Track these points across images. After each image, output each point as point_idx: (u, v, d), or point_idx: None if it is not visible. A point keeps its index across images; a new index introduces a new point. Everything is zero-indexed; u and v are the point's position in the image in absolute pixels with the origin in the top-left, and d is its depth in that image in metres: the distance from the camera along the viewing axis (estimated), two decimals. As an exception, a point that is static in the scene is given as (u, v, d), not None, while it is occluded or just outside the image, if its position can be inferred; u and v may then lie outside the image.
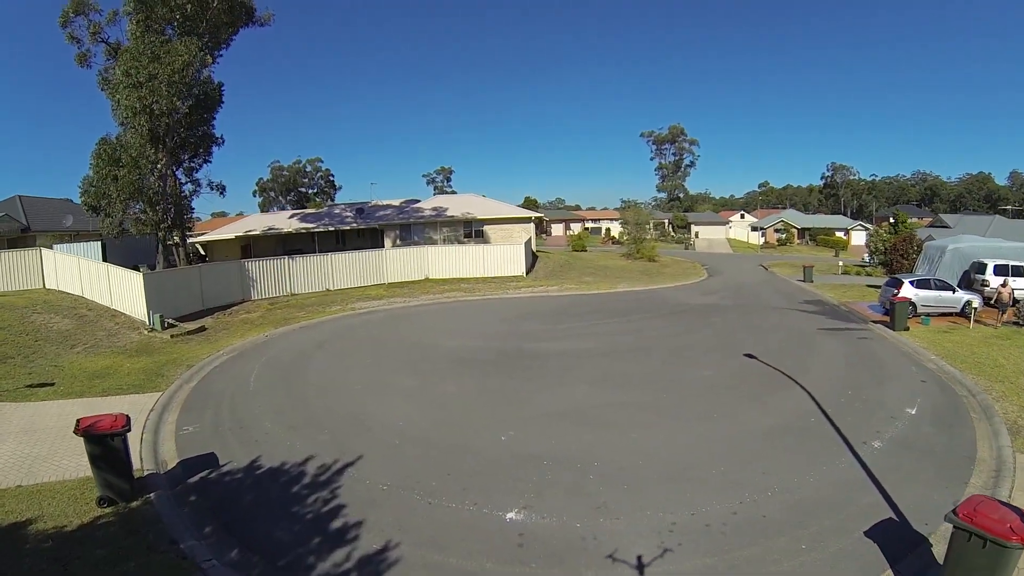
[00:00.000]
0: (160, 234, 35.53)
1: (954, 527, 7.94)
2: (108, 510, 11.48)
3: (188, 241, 52.88)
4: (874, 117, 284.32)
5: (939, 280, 30.07)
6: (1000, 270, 30.56)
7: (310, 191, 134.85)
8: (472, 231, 53.84)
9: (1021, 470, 12.41)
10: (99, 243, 38.13)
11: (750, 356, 22.19)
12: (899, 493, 11.70)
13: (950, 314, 28.73)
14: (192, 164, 40.17)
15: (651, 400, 18.07)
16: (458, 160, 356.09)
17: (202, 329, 29.07)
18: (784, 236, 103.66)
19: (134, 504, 11.80)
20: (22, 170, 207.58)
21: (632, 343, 25.72)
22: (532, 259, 52.16)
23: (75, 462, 13.22)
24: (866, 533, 10.41)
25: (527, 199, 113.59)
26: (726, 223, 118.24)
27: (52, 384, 19.64)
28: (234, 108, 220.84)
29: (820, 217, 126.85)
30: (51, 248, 34.89)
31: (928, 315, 28.24)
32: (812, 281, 45.71)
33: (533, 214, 59.08)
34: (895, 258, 40.19)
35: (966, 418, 15.75)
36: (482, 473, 13.15)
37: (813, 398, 17.39)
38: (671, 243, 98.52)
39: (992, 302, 28.20)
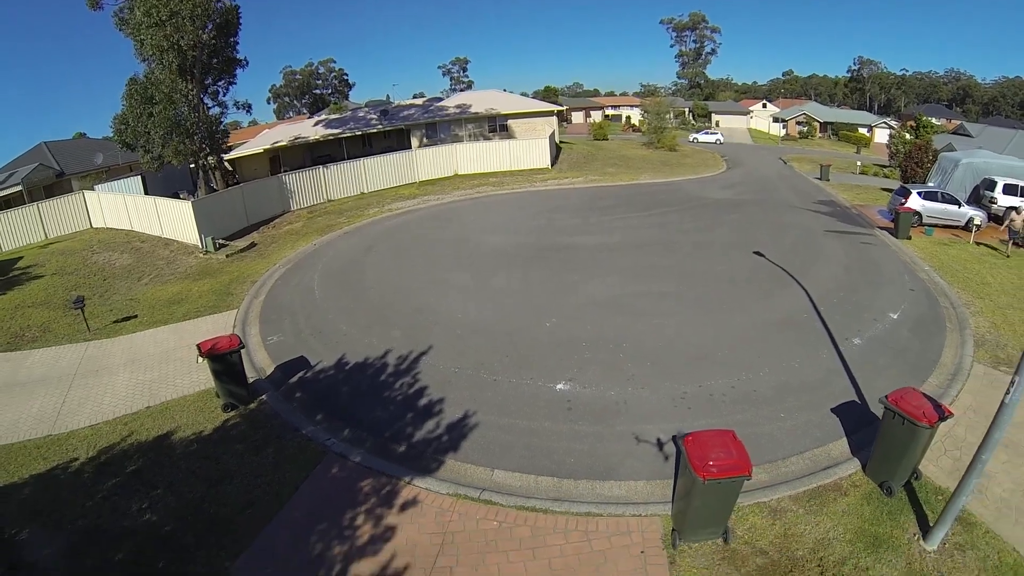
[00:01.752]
0: (199, 162, 36.72)
1: (884, 407, 9.80)
2: (232, 414, 13.64)
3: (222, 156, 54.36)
4: (908, 6, 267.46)
5: (947, 193, 29.80)
6: (1010, 189, 29.97)
7: (325, 92, 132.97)
8: (496, 126, 54.20)
9: (973, 377, 13.89)
10: (139, 177, 39.49)
11: (759, 254, 23.55)
12: (866, 382, 13.59)
13: (954, 227, 28.76)
14: (217, 87, 40.86)
15: (673, 290, 20.13)
16: (473, 50, 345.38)
17: (252, 245, 30.71)
18: (806, 129, 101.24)
19: (252, 406, 13.93)
20: (36, 115, 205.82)
21: (656, 237, 27.28)
22: (556, 151, 52.66)
23: (188, 380, 15.26)
24: (832, 410, 12.57)
25: (547, 88, 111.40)
26: (747, 113, 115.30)
27: (135, 316, 21.41)
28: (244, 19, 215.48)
29: (844, 112, 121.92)
30: (92, 189, 36.45)
31: (932, 226, 28.45)
32: (828, 180, 45.35)
33: (555, 107, 58.91)
34: (910, 165, 39.49)
35: (942, 327, 16.84)
36: (534, 354, 15.46)
37: (810, 297, 18.83)
38: (691, 132, 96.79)
39: (1004, 225, 27.08)
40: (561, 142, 60.20)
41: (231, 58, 39.58)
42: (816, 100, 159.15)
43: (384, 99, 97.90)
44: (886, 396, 9.83)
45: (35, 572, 9.29)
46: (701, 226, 29.40)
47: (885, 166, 57.44)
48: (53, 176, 44.29)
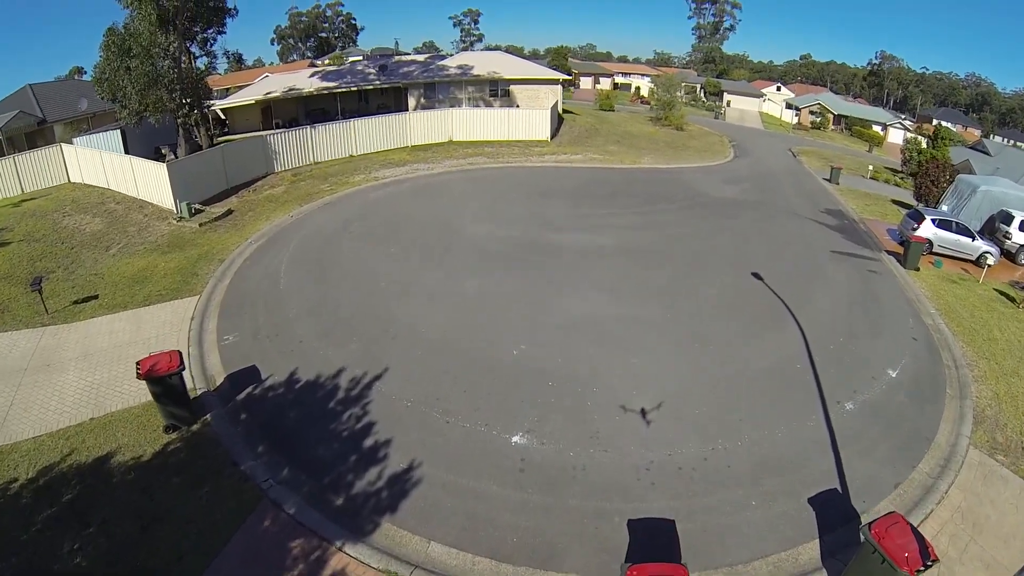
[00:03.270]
0: (178, 120, 35.10)
1: (865, 539, 8.99)
2: (174, 436, 12.85)
3: (208, 109, 52.55)
4: (935, 5, 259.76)
5: (960, 223, 28.15)
6: None
7: (331, 36, 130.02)
8: (499, 91, 52.26)
9: (968, 466, 12.88)
10: (118, 132, 37.81)
11: (757, 277, 22.40)
12: (852, 465, 12.60)
13: (964, 260, 27.49)
14: (206, 36, 39.14)
15: (660, 318, 18.96)
16: (486, 2, 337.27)
17: (229, 213, 29.50)
18: (819, 120, 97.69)
19: (195, 427, 13.14)
20: (24, 55, 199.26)
21: (650, 243, 25.96)
22: (558, 122, 50.89)
23: (135, 386, 14.32)
24: (810, 500, 11.54)
25: (559, 48, 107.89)
26: (760, 95, 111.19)
27: (96, 297, 20.39)
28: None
29: (859, 107, 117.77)
30: (71, 143, 34.99)
31: (942, 256, 27.32)
32: (838, 183, 43.53)
33: (561, 75, 56.52)
34: (925, 183, 37.98)
35: (941, 393, 15.86)
36: (495, 390, 14.48)
37: (806, 340, 17.76)
38: (702, 109, 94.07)
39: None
40: (564, 111, 58.23)
41: (220, 7, 37.77)
42: (831, 90, 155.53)
43: (393, 47, 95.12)
44: (869, 526, 8.98)
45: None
46: (700, 232, 28.09)
47: (897, 171, 56.13)
48: (34, 123, 42.82)
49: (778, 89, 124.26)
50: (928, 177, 37.78)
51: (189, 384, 14.29)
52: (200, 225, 27.65)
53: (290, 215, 28.49)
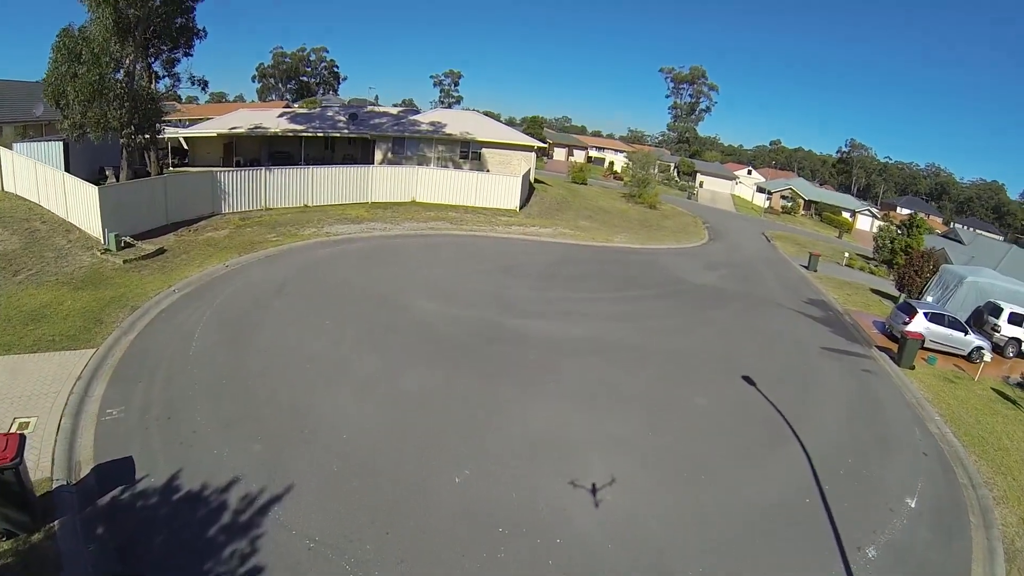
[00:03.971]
0: (123, 140, 32.49)
1: None
2: (7, 546, 9.96)
3: (170, 136, 49.99)
4: (898, 98, 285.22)
5: (953, 317, 27.92)
6: (1015, 319, 28.79)
7: (312, 81, 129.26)
8: (470, 152, 50.94)
9: None
10: (61, 144, 35.02)
11: (749, 381, 20.55)
12: None
13: (956, 355, 27.03)
14: (173, 56, 37.03)
15: (640, 436, 16.33)
16: (468, 66, 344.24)
17: (160, 252, 26.81)
18: (790, 204, 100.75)
19: (35, 538, 10.21)
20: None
21: (626, 337, 23.49)
22: (528, 192, 49.51)
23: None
24: None
25: (534, 119, 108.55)
26: (733, 178, 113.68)
27: (-25, 330, 17.58)
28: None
29: (829, 193, 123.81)
30: (10, 148, 32.47)
31: (935, 352, 26.64)
32: (816, 271, 43.71)
33: (535, 143, 55.73)
34: (908, 272, 38.01)
35: (964, 522, 14.39)
36: (426, 541, 11.30)
37: (811, 464, 15.79)
38: (674, 189, 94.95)
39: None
40: (536, 180, 57.06)
41: (187, 27, 35.75)
42: (799, 174, 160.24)
43: (370, 98, 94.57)
44: None
45: None
46: (681, 325, 26.17)
47: (870, 259, 57.17)
48: (-19, 123, 39.92)
49: (749, 172, 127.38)
50: (912, 267, 37.65)
51: (45, 472, 11.56)
52: (125, 262, 24.89)
53: (225, 264, 25.93)
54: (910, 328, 26.16)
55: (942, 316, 27.42)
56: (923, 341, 25.74)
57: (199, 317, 20.17)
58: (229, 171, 34.68)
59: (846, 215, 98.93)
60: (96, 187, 26.48)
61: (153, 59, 36.24)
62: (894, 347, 26.53)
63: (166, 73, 37.41)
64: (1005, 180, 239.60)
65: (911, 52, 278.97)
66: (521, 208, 44.69)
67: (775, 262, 46.58)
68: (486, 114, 72.14)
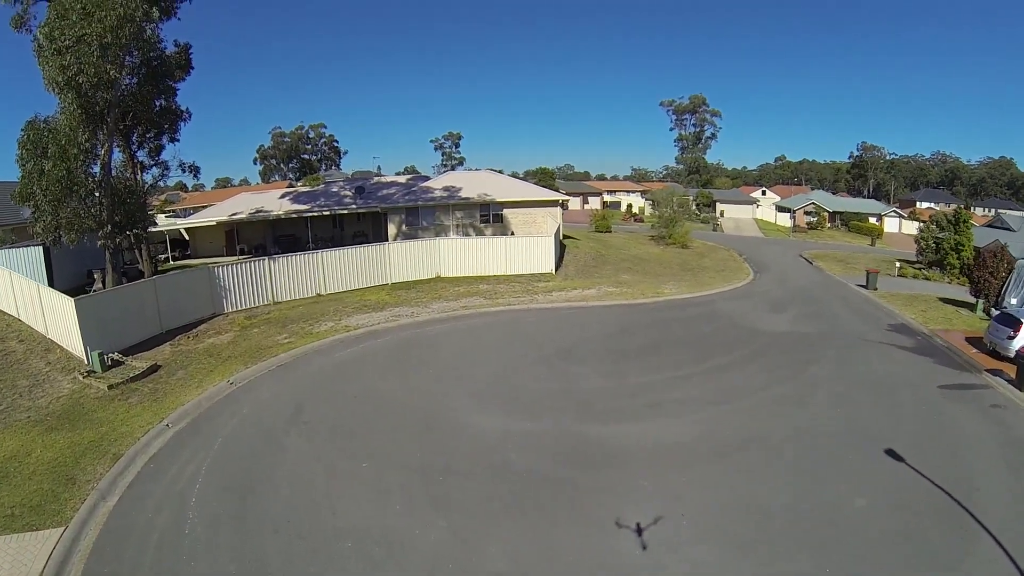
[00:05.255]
0: (101, 241, 28.45)
1: None
2: None
3: (167, 228, 46.42)
4: (895, 93, 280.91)
5: None
6: None
7: (313, 158, 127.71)
8: (490, 215, 46.71)
9: None
10: (41, 248, 31.16)
11: (894, 455, 16.32)
12: None
13: None
14: (159, 143, 33.69)
15: None
16: (467, 126, 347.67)
17: (154, 369, 22.52)
18: (815, 220, 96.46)
19: None
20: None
21: (738, 426, 18.44)
22: (560, 250, 45.17)
23: None
24: None
25: (541, 170, 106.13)
26: (752, 203, 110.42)
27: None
28: (234, 69, 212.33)
29: (851, 200, 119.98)
30: None
31: None
32: (876, 289, 39.53)
33: (560, 196, 51.77)
34: (983, 275, 34.61)
35: None
36: None
37: (1013, 561, 11.86)
38: (697, 222, 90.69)
39: None
40: (564, 236, 52.87)
41: (169, 109, 32.37)
42: (810, 187, 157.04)
43: (374, 170, 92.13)
44: None
45: None
46: (788, 393, 21.19)
47: (914, 262, 53.77)
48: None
49: (763, 193, 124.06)
50: (985, 269, 34.46)
51: None
52: (110, 387, 20.67)
53: (229, 381, 21.52)
54: (1017, 342, 23.91)
55: None
56: None
57: (196, 468, 15.55)
58: (228, 265, 30.45)
59: (873, 220, 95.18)
60: (73, 300, 22.46)
61: (136, 148, 32.82)
62: (1000, 365, 23.91)
63: (153, 162, 34.08)
64: (1013, 155, 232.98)
65: (902, 43, 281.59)
66: (557, 270, 40.26)
67: (831, 286, 42.46)
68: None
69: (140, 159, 33.64)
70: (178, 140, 34.45)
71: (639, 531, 13.02)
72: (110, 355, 22.38)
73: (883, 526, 13.29)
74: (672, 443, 17.33)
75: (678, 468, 15.91)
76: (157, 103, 31.86)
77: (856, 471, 15.77)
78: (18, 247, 33.07)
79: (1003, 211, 76.06)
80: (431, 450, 16.75)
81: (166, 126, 33.47)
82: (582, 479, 15.32)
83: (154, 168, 34.52)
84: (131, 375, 21.62)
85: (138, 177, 32.96)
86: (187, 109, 33.93)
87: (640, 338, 27.55)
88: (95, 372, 21.66)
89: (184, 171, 35.67)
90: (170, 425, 18.14)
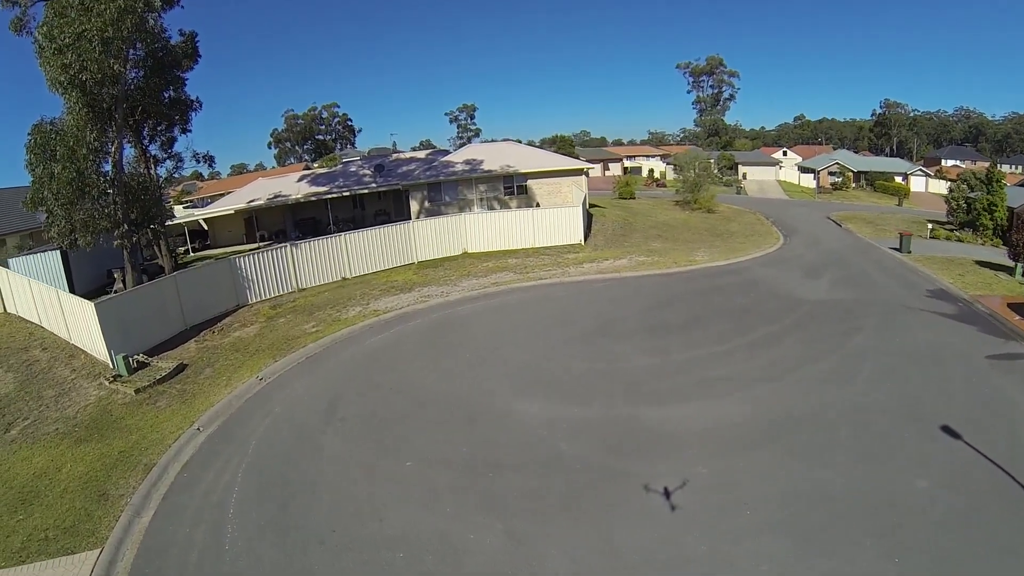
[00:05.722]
0: (117, 241, 27.67)
1: None
2: None
3: (185, 220, 45.73)
4: (915, 47, 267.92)
5: None
6: None
7: (328, 138, 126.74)
8: (514, 187, 45.28)
9: None
10: (58, 252, 30.49)
11: (950, 432, 15.32)
12: None
13: None
14: (171, 135, 32.88)
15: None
16: (481, 97, 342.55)
17: (180, 369, 21.77)
18: (840, 180, 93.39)
19: None
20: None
21: (790, 404, 17.21)
22: (588, 219, 43.74)
23: None
24: None
25: (557, 137, 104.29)
26: (775, 164, 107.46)
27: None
28: (243, 54, 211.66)
29: (877, 160, 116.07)
30: (5, 265, 28.74)
31: None
32: (910, 252, 37.72)
33: (584, 164, 49.90)
34: (1021, 238, 32.77)
35: None
36: None
37: None
38: (719, 185, 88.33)
39: None
40: (590, 205, 51.43)
41: (179, 99, 31.49)
42: (829, 145, 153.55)
43: (391, 146, 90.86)
44: None
45: None
46: (836, 367, 19.85)
47: (945, 223, 52.19)
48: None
49: (784, 154, 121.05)
50: (1023, 232, 32.74)
51: None
52: (137, 392, 19.93)
53: (258, 377, 20.64)
54: None
55: None
56: None
57: (231, 477, 14.68)
58: (249, 254, 29.41)
59: (899, 180, 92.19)
60: (93, 304, 21.66)
61: (148, 142, 31.98)
62: None
63: (166, 155, 33.31)
64: None
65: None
66: (585, 240, 38.88)
67: (863, 250, 40.67)
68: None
69: (153, 153, 32.98)
70: (190, 131, 33.82)
71: (721, 532, 11.96)
72: (135, 357, 21.66)
73: (945, 507, 12.39)
74: (724, 424, 16.20)
75: (733, 452, 14.82)
76: (166, 95, 31.12)
77: (914, 450, 14.68)
78: (36, 252, 32.60)
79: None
80: (477, 443, 15.75)
81: (177, 117, 32.74)
82: (637, 468, 14.25)
83: (168, 161, 33.84)
84: (158, 377, 20.88)
85: (152, 172, 32.23)
86: (197, 98, 33.21)
87: (679, 310, 26.25)
88: (121, 376, 20.96)
89: (199, 161, 34.98)
90: (201, 429, 17.33)
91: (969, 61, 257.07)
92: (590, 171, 51.87)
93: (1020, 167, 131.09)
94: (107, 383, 20.57)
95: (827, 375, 19.24)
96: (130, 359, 21.40)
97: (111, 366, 21.37)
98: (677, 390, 18.42)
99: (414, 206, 44.32)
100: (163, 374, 21.10)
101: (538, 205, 44.14)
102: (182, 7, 29.84)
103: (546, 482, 13.89)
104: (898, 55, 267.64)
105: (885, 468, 13.92)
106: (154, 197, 29.51)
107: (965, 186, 50.95)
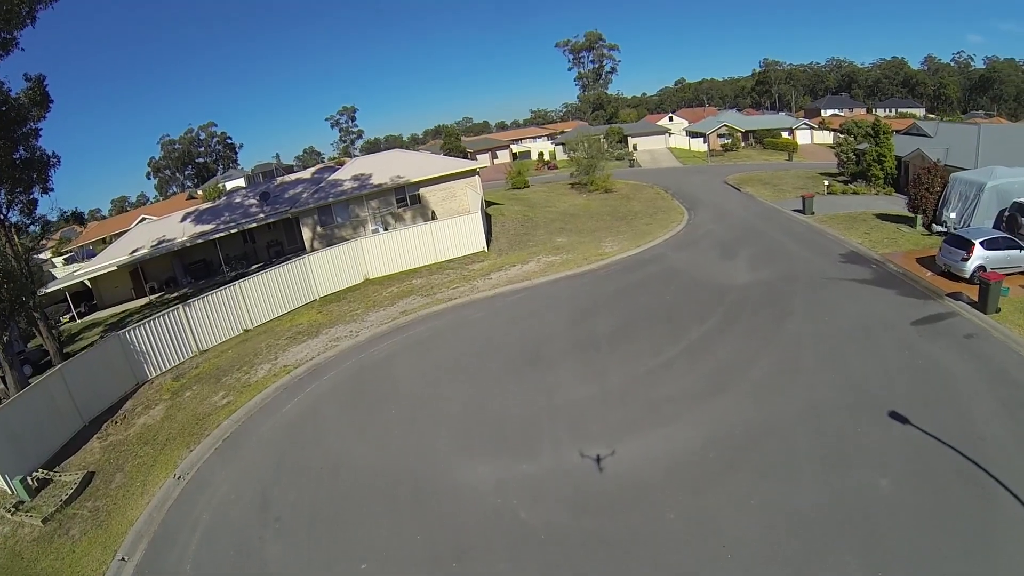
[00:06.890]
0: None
1: None
2: None
3: (64, 285, 42.44)
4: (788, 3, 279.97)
5: (1005, 237, 26.00)
6: None
7: (208, 160, 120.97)
8: (407, 198, 44.21)
9: None
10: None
11: (898, 417, 16.07)
12: None
13: (1013, 273, 24.98)
14: (30, 196, 30.21)
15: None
16: (360, 97, 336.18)
17: (88, 480, 20.14)
18: (730, 141, 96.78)
19: None
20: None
21: (746, 417, 17.29)
22: (487, 222, 43.20)
23: None
24: None
25: (440, 128, 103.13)
26: (665, 131, 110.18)
27: None
28: (106, 83, 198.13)
29: (763, 117, 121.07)
30: None
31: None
32: (814, 213, 39.99)
33: (475, 165, 49.33)
34: (919, 192, 35.00)
35: None
36: None
37: None
38: (611, 160, 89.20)
39: None
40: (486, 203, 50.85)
41: (32, 159, 28.85)
42: (713, 107, 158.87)
43: (274, 162, 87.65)
44: None
45: None
46: (777, 363, 20.27)
47: (836, 175, 55.46)
48: None
49: (671, 119, 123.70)
50: (921, 186, 34.96)
51: None
52: (44, 522, 18.14)
53: (175, 476, 19.33)
54: (971, 264, 24.90)
55: (996, 239, 25.63)
56: (981, 270, 24.34)
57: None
58: (139, 325, 27.10)
59: (785, 135, 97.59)
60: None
61: (6, 211, 29.22)
62: (958, 287, 24.85)
63: (30, 221, 30.59)
64: (904, 53, 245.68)
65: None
66: (488, 245, 38.52)
67: (769, 216, 42.31)
68: (389, 142, 65.76)
69: (13, 221, 30.15)
70: (52, 190, 30.94)
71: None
72: (34, 475, 19.93)
73: (911, 505, 12.93)
74: (682, 455, 16.18)
75: (699, 489, 14.79)
76: (17, 156, 28.21)
77: (870, 446, 15.23)
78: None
79: (916, 119, 77.27)
80: (431, 526, 14.98)
81: (35, 176, 29.84)
82: (608, 529, 13.94)
83: (32, 227, 31.20)
84: (64, 497, 19.12)
85: (15, 246, 29.44)
86: (54, 153, 30.35)
87: (603, 319, 26.23)
88: (24, 502, 19.16)
89: (67, 221, 32.54)
90: (126, 559, 15.99)
91: (837, 12, 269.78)
92: (480, 162, 51.35)
93: (893, 110, 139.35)
94: (9, 515, 18.73)
95: (771, 374, 19.66)
96: (29, 479, 19.67)
97: (9, 492, 19.55)
98: (624, 422, 18.10)
99: (306, 233, 42.66)
100: (70, 491, 19.37)
101: (434, 214, 43.40)
102: (22, 49, 27.07)
103: (518, 566, 13.31)
104: (771, 13, 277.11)
105: (848, 473, 14.36)
106: (22, 282, 26.85)
107: (853, 139, 53.35)
